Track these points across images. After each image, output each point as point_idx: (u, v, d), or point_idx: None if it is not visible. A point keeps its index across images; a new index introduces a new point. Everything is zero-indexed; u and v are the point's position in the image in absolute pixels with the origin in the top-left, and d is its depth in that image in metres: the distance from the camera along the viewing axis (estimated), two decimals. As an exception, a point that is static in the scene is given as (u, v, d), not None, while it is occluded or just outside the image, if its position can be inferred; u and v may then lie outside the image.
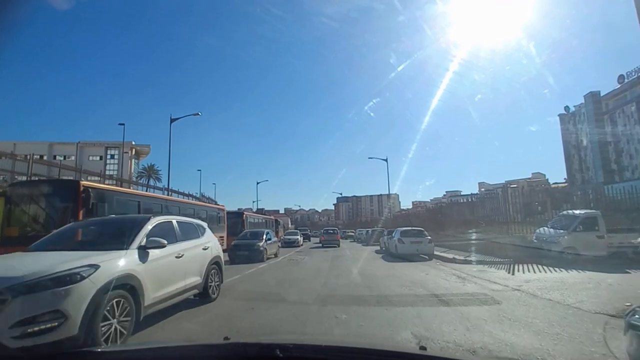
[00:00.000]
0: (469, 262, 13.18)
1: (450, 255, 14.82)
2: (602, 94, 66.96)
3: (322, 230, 32.11)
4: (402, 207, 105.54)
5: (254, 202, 73.93)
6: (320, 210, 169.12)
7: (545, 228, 13.56)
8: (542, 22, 66.18)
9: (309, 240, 37.86)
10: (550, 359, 3.64)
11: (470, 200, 23.92)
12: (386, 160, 34.92)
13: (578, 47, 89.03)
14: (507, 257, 13.11)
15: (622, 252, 12.30)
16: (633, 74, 57.87)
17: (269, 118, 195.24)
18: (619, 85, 62.15)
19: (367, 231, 30.50)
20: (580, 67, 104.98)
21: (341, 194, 70.01)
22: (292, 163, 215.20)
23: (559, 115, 76.76)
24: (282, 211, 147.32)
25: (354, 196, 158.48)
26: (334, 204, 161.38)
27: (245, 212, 25.72)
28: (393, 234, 17.35)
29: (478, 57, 59.06)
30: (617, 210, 13.84)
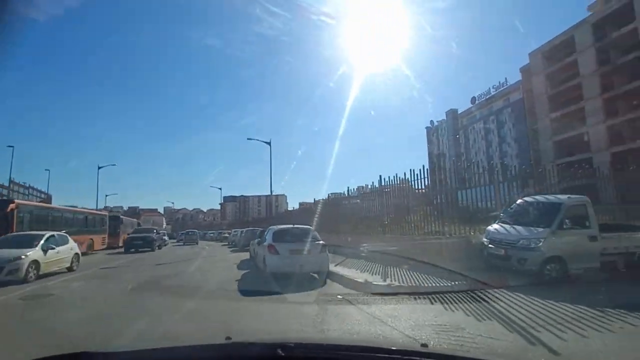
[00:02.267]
0: (399, 293, 6.36)
1: (357, 276, 7.94)
2: (459, 112, 72.55)
3: (185, 232, 35.60)
4: (288, 209, 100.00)
5: (107, 195, 57.54)
6: (205, 210, 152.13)
7: (501, 225, 7.85)
8: (415, 54, 68.75)
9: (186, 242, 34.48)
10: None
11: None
12: (269, 143, 27.44)
13: (445, 71, 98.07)
14: (454, 280, 6.79)
15: (611, 261, 7.25)
16: (482, 96, 63.48)
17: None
18: (471, 105, 67.75)
19: (242, 232, 22.36)
20: (446, 87, 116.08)
21: (220, 188, 59.29)
22: (173, 159, 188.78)
23: (425, 127, 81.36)
24: (160, 210, 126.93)
25: (242, 196, 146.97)
26: (220, 204, 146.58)
27: (18, 202, 14.76)
28: (265, 236, 9.62)
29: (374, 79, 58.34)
30: (464, 211, 10.78)
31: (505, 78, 57.68)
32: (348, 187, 15.38)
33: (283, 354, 1.26)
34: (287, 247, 7.99)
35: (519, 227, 7.30)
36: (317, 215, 14.62)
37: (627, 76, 34.51)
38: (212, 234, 46.36)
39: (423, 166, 10.92)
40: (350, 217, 15.08)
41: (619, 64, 35.24)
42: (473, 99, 66.97)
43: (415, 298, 5.77)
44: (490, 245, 7.61)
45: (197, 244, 32.53)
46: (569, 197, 7.29)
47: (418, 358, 1.33)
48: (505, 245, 7.24)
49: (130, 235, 22.00)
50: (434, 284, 6.55)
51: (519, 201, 8.33)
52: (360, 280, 7.21)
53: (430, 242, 9.49)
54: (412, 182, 11.47)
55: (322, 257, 8.13)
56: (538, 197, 7.86)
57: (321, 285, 7.49)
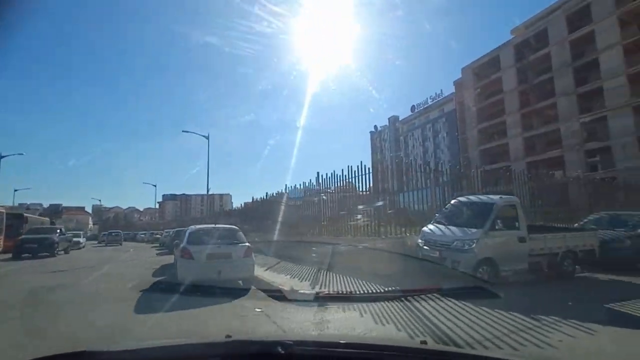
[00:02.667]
0: (327, 303, 5.47)
1: (285, 282, 6.97)
2: (400, 119, 75.64)
3: (107, 232, 33.79)
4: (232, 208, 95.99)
5: (16, 190, 49.78)
6: (142, 209, 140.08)
7: (435, 226, 7.46)
8: (363, 65, 70.38)
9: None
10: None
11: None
12: (207, 137, 25.44)
13: (390, 80, 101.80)
14: (388, 285, 6.15)
15: (537, 262, 7.21)
16: (421, 106, 66.86)
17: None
18: (411, 114, 71.00)
19: (170, 232, 20.15)
20: (391, 95, 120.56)
21: (155, 185, 54.16)
22: (107, 154, 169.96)
23: (370, 132, 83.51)
24: (89, 209, 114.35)
25: (183, 194, 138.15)
26: (158, 202, 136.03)
27: None
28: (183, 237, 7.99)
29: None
30: (404, 212, 10.64)
31: (441, 90, 61.22)
32: (286, 185, 14.35)
33: (283, 352, 1.24)
34: (204, 250, 6.72)
35: (453, 228, 6.93)
36: (249, 216, 13.38)
37: (541, 95, 38.46)
38: (142, 235, 42.13)
39: (361, 162, 10.34)
40: (288, 218, 14.12)
41: (534, 83, 39.10)
42: (413, 108, 70.22)
43: (344, 309, 4.97)
44: (425, 247, 7.16)
45: (120, 245, 30.22)
46: (500, 197, 7.13)
47: (417, 355, 1.33)
48: (439, 247, 6.82)
49: (23, 237, 16.94)
50: (366, 291, 5.85)
51: (453, 201, 8.07)
52: (286, 288, 6.24)
53: (368, 243, 8.94)
54: (356, 184, 10.92)
55: (246, 262, 6.99)
56: (472, 197, 7.65)
57: (243, 294, 6.38)
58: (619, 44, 30.73)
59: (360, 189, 11.42)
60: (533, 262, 6.94)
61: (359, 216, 11.49)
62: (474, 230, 6.58)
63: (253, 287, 6.88)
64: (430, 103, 64.39)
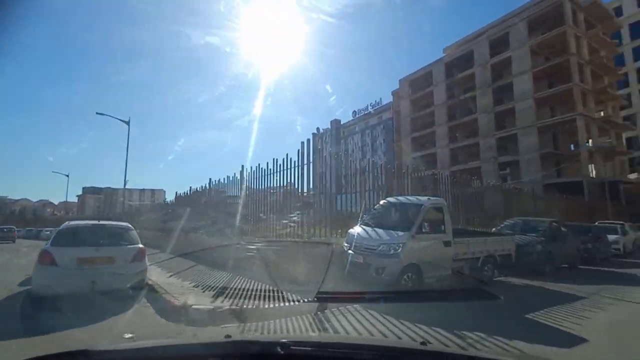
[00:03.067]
0: (225, 321, 4.33)
1: (184, 293, 5.65)
2: (342, 123, 76.80)
3: None
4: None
5: None
6: (57, 203, 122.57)
7: (362, 228, 6.79)
8: (311, 71, 70.21)
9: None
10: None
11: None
12: (128, 122, 22.33)
13: (335, 84, 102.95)
14: (305, 295, 5.24)
15: (459, 267, 6.94)
16: (361, 112, 68.69)
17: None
18: (352, 119, 72.53)
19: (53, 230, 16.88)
20: (335, 99, 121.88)
21: (67, 175, 45.76)
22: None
23: (312, 133, 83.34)
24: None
25: (109, 187, 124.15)
26: (77, 196, 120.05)
27: None
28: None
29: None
30: (341, 215, 10.22)
31: (380, 98, 63.44)
32: (210, 179, 12.74)
33: (282, 352, 1.23)
34: (72, 254, 5.10)
35: (380, 230, 6.30)
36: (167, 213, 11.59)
37: (465, 111, 41.67)
38: (48, 232, 36.12)
39: (287, 154, 9.40)
40: (211, 215, 12.58)
41: (460, 100, 42.23)
42: (354, 113, 71.86)
43: (243, 330, 3.91)
44: (350, 251, 6.42)
45: (13, 242, 26.39)
46: (428, 199, 6.73)
47: (417, 356, 1.32)
48: (364, 251, 6.13)
49: None
50: (276, 305, 4.85)
51: (382, 202, 7.52)
52: (177, 303, 4.95)
53: (294, 245, 8.01)
54: (298, 184, 9.98)
55: (135, 268, 5.51)
56: (400, 198, 7.16)
57: (122, 311, 4.93)
58: (530, 71, 34.37)
59: (301, 190, 10.54)
60: (456, 267, 6.63)
61: (295, 217, 10.58)
62: (400, 233, 6.01)
63: (146, 300, 5.47)
64: (370, 110, 66.52)
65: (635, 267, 10.37)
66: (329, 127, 78.64)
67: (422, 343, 1.54)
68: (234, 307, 4.69)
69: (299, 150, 9.52)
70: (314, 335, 2.60)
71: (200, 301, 5.02)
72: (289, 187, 11.04)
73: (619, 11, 39.90)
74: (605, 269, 9.94)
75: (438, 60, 45.71)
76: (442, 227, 6.46)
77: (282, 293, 5.37)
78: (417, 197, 7.11)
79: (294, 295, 5.30)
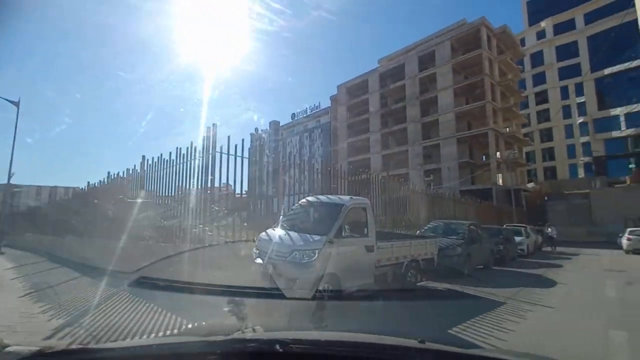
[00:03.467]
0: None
1: (33, 323, 3.95)
2: (281, 125, 75.40)
3: None
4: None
5: None
6: None
7: (275, 231, 5.71)
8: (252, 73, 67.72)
9: None
10: None
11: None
12: (17, 103, 18.18)
13: (274, 87, 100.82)
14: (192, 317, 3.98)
15: (382, 274, 6.25)
16: (301, 114, 68.23)
17: None
18: (291, 121, 71.67)
19: None
20: (275, 101, 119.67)
21: None
22: None
23: (250, 133, 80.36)
24: None
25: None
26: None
27: None
28: None
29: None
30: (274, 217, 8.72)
31: (319, 102, 63.63)
32: (109, 172, 10.47)
33: (281, 350, 1.23)
34: None
35: (294, 234, 5.27)
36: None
37: (396, 120, 43.63)
38: None
39: (191, 143, 7.91)
40: (110, 216, 10.35)
41: (392, 109, 44.11)
42: (293, 115, 71.06)
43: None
44: (257, 260, 5.27)
45: None
46: (351, 198, 5.92)
47: (415, 353, 1.32)
48: (275, 259, 5.03)
49: None
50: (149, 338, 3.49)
51: (301, 201, 6.52)
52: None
53: (206, 250, 6.58)
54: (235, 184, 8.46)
55: None
56: (321, 197, 6.23)
57: None
58: (451, 87, 37.15)
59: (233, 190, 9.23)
60: (379, 274, 5.91)
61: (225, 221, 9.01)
62: (317, 237, 5.06)
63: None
64: (309, 113, 66.41)
65: (538, 266, 11.02)
66: (268, 128, 76.87)
67: (421, 341, 1.46)
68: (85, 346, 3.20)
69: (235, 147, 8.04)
70: (313, 333, 2.42)
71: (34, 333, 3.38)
72: (221, 188, 9.52)
73: (522, 42, 45.62)
74: (515, 269, 10.34)
75: (373, 70, 47.24)
76: (365, 230, 5.69)
77: (159, 317, 3.99)
78: (340, 196, 6.28)
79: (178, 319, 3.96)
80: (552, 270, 9.93)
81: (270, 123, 75.96)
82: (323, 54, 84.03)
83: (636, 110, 35.47)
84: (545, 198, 35.82)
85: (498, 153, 36.12)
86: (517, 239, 13.89)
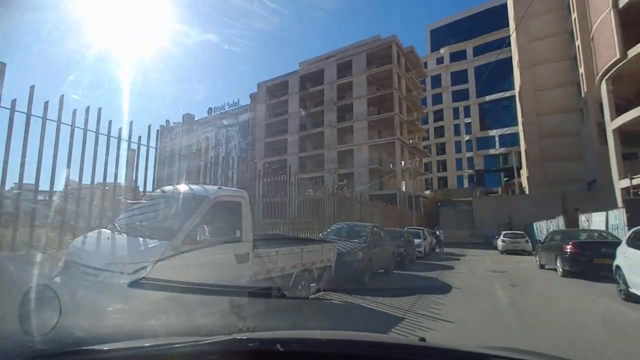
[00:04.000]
0: None
1: None
2: (196, 119, 69.13)
3: None
4: None
5: None
6: None
7: (99, 235, 3.72)
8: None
9: None
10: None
11: None
12: None
13: (189, 78, 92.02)
14: None
15: (262, 290, 4.73)
16: (218, 110, 63.59)
17: None
18: (207, 116, 66.32)
19: None
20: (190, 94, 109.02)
21: None
22: None
23: (160, 125, 71.76)
24: None
25: None
26: None
27: None
28: None
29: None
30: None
31: (238, 99, 60.16)
32: None
33: (282, 349, 1.19)
34: None
35: (121, 239, 3.37)
36: None
37: (314, 123, 43.48)
38: None
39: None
40: None
41: (311, 112, 43.84)
42: (210, 110, 65.82)
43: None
44: (56, 279, 3.22)
45: None
46: (219, 188, 4.23)
47: (416, 352, 1.28)
48: (85, 276, 3.07)
49: None
50: None
51: (157, 190, 4.60)
52: None
53: None
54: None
55: None
56: (179, 186, 4.35)
57: None
58: (365, 97, 38.52)
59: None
60: (256, 289, 4.37)
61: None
62: (153, 243, 3.27)
63: None
64: (227, 109, 62.20)
65: (433, 268, 11.00)
66: (181, 121, 69.59)
67: (421, 339, 1.41)
68: None
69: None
70: (314, 332, 1.92)
71: None
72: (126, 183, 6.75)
73: (425, 65, 50.48)
74: (413, 272, 10.02)
75: (294, 72, 46.40)
76: (238, 232, 4.10)
77: None
78: (205, 186, 4.55)
79: None
80: (446, 273, 9.87)
81: (183, 115, 69.01)
82: (244, 49, 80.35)
83: (507, 132, 42.17)
84: (439, 204, 39.58)
85: (403, 162, 38.70)
86: (416, 241, 14.05)
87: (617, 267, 6.18)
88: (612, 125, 16.12)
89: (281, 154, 46.12)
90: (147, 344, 1.36)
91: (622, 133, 16.06)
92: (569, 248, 8.80)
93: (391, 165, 39.31)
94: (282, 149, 46.27)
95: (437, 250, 18.29)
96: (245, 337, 1.35)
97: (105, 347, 1.27)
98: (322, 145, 42.13)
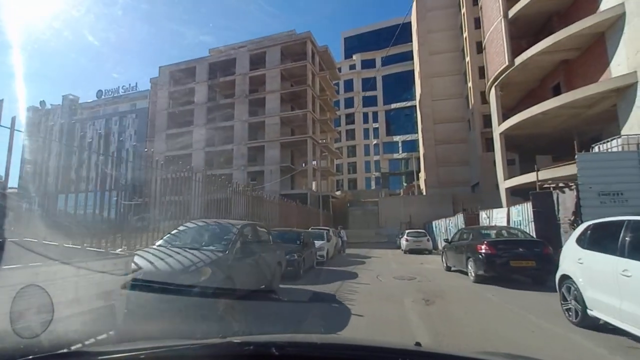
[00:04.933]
0: None
1: None
2: (82, 102, 56.23)
3: None
4: None
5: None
6: None
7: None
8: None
9: None
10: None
11: None
12: None
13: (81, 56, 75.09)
14: None
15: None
16: (110, 93, 52.69)
17: None
18: (97, 99, 54.54)
19: None
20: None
21: None
22: None
23: (29, 107, 56.06)
24: None
25: None
26: None
27: None
28: None
29: None
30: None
31: (137, 82, 50.74)
32: None
33: (277, 353, 1.14)
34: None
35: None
36: None
37: (223, 116, 38.57)
38: None
39: None
40: None
41: (220, 104, 38.78)
42: (100, 93, 54.10)
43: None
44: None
45: None
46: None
47: (411, 356, 1.24)
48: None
49: None
50: None
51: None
52: None
53: None
54: None
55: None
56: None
57: None
58: (279, 92, 35.56)
59: None
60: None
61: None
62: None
63: None
64: (122, 93, 51.79)
65: (333, 279, 8.37)
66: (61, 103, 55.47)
67: (417, 344, 1.36)
68: None
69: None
70: (309, 336, 2.12)
71: None
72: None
73: (340, 70, 50.29)
74: (306, 286, 7.17)
75: (203, 58, 40.68)
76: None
77: None
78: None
79: None
80: (348, 286, 7.28)
81: (63, 96, 55.14)
82: (145, 28, 69.27)
83: (409, 139, 44.39)
84: (348, 204, 39.00)
85: (315, 162, 36.90)
86: (318, 243, 11.45)
87: (565, 277, 4.29)
88: (499, 129, 16.40)
89: (185, 148, 39.70)
90: (143, 347, 1.29)
91: (506, 137, 16.47)
92: (483, 249, 7.11)
93: (303, 164, 37.13)
94: (187, 142, 39.88)
95: (341, 251, 16.22)
96: (240, 341, 1.33)
97: (102, 349, 1.23)
98: (231, 140, 37.52)
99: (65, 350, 1.20)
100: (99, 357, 1.18)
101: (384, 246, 22.00)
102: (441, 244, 14.12)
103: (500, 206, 14.51)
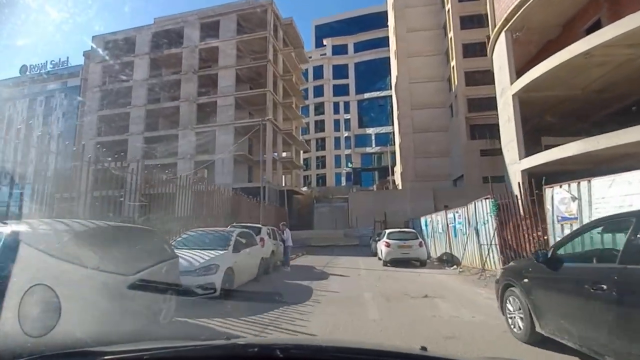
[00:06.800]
0: None
1: None
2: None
3: None
4: None
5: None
6: None
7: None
8: None
9: None
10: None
11: None
12: None
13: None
14: None
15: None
16: (36, 69, 43.61)
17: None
18: (20, 75, 45.07)
19: None
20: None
21: None
22: None
23: None
24: None
25: None
26: None
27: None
28: None
29: None
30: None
31: (67, 57, 42.27)
32: None
33: (281, 356, 1.12)
34: None
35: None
36: None
37: (168, 96, 31.87)
38: None
39: None
40: None
41: (164, 81, 32.00)
42: (24, 68, 44.69)
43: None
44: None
45: None
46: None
47: None
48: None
49: None
50: None
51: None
52: None
53: None
54: None
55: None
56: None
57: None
58: (234, 68, 29.59)
59: None
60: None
61: None
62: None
63: None
64: (50, 69, 42.98)
65: None
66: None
67: (422, 348, 1.31)
68: None
69: None
70: (313, 339, 2.27)
71: None
72: None
73: (309, 56, 45.07)
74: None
75: (146, 27, 33.64)
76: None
77: None
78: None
79: None
80: None
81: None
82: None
83: (382, 132, 40.04)
84: (315, 201, 33.72)
85: (277, 153, 31.23)
86: (208, 256, 5.68)
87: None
88: (512, 89, 11.67)
89: (121, 132, 32.50)
90: (147, 347, 1.29)
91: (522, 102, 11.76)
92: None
93: (262, 155, 31.25)
94: (123, 126, 32.64)
95: (280, 264, 10.30)
96: (244, 343, 1.37)
97: (106, 349, 1.22)
98: (177, 124, 30.87)
99: (70, 350, 1.21)
100: (104, 357, 1.16)
101: (353, 252, 16.71)
102: (461, 254, 8.96)
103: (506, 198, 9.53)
